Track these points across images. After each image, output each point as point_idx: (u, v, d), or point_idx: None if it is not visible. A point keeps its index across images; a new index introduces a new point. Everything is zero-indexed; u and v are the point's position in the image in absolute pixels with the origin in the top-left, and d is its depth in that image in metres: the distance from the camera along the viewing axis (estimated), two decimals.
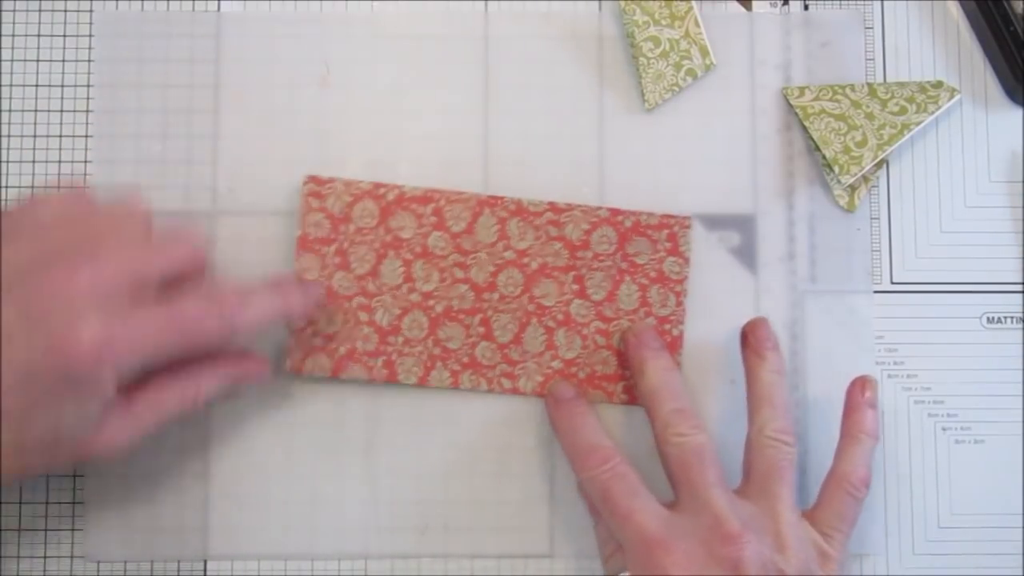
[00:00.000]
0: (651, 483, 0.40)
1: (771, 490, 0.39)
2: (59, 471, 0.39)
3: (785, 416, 0.41)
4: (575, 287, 0.44)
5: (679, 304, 0.45)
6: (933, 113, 0.46)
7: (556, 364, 0.44)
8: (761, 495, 0.39)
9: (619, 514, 0.39)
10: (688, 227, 0.45)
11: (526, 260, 0.44)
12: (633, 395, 0.44)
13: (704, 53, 0.46)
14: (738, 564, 0.37)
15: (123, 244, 0.36)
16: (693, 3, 0.46)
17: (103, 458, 0.36)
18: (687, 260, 0.45)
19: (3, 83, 0.46)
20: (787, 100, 0.46)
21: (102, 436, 0.36)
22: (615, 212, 0.45)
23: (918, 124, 0.45)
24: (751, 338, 0.42)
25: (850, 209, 0.46)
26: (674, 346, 0.44)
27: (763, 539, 0.38)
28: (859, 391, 0.42)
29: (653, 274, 0.45)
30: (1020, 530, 0.45)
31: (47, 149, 0.45)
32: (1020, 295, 0.46)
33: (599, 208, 0.45)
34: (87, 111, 0.46)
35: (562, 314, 0.44)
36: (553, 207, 0.45)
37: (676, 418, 0.40)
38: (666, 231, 0.45)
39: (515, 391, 0.44)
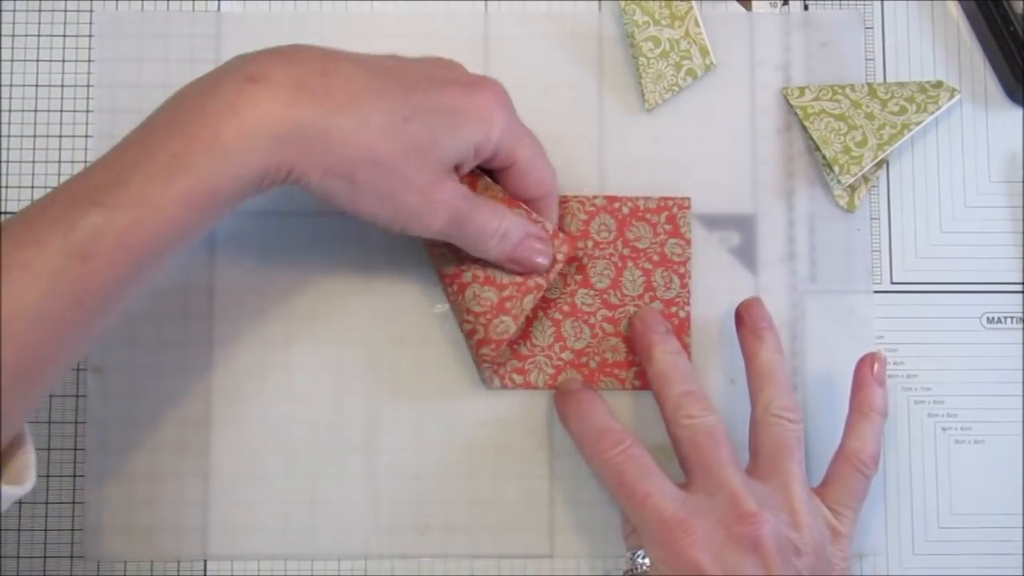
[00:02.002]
0: (662, 468, 0.40)
1: (782, 468, 0.39)
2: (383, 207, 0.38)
3: (789, 394, 0.41)
4: (578, 277, 0.45)
5: (683, 286, 0.45)
6: (933, 113, 0.46)
7: (566, 355, 0.44)
8: (772, 474, 0.39)
9: (635, 497, 0.39)
10: (687, 208, 0.45)
11: None
12: (645, 380, 0.44)
13: (704, 53, 0.46)
14: (757, 542, 0.37)
15: None
16: (693, 3, 0.46)
17: (424, 218, 0.38)
18: (688, 241, 0.45)
19: (3, 83, 0.46)
20: (787, 100, 0.46)
21: (435, 198, 0.37)
22: (612, 199, 0.45)
23: (918, 124, 0.45)
24: (747, 318, 0.42)
25: (850, 209, 0.46)
26: (682, 328, 0.44)
27: (779, 517, 0.38)
28: (868, 367, 0.42)
29: (656, 258, 0.45)
30: (1020, 530, 0.45)
31: (47, 149, 0.45)
32: (1020, 295, 0.46)
33: (595, 197, 0.45)
34: (87, 111, 0.46)
35: (568, 305, 0.44)
36: None
37: (686, 400, 0.40)
38: (665, 214, 0.45)
39: (527, 385, 0.44)
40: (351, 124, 0.35)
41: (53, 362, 0.32)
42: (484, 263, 0.42)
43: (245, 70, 0.34)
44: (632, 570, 0.39)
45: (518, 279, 0.42)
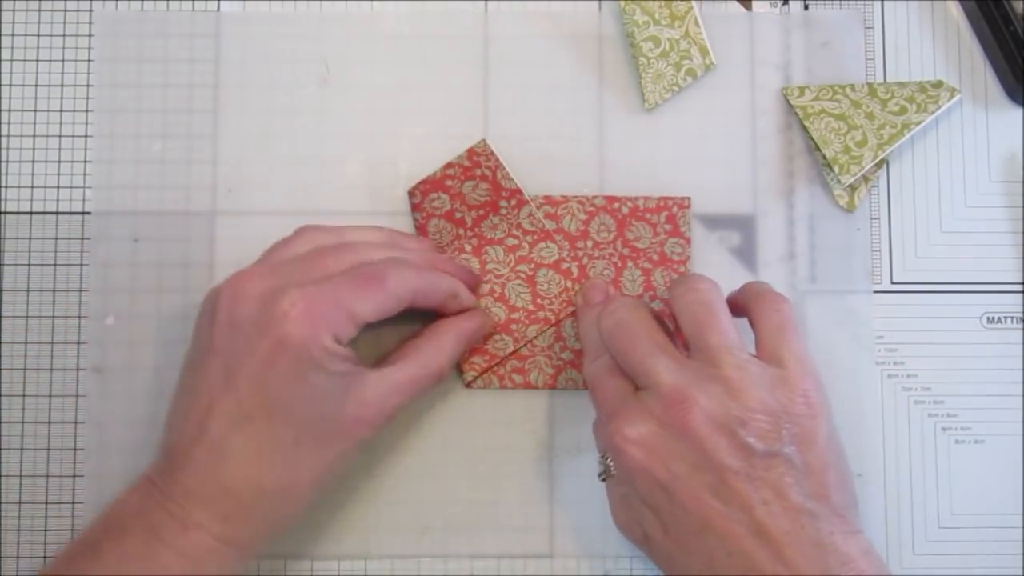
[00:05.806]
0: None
1: (705, 339, 0.37)
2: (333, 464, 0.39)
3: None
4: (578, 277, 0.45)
5: None
6: (933, 113, 0.46)
7: (566, 355, 0.44)
8: (697, 348, 0.37)
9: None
10: (687, 207, 0.45)
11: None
12: None
13: (704, 53, 0.46)
14: (686, 427, 0.35)
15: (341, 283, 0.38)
16: (693, 3, 0.46)
17: (377, 428, 0.39)
18: (688, 240, 0.45)
19: (3, 83, 0.46)
20: (787, 100, 0.46)
21: (367, 408, 0.38)
22: (611, 200, 0.45)
23: (918, 124, 0.45)
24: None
25: (850, 209, 0.46)
26: None
27: (709, 391, 0.35)
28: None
29: (655, 257, 0.45)
30: (1020, 530, 0.45)
31: (47, 149, 0.45)
32: (1020, 295, 0.46)
33: (595, 197, 0.45)
34: (87, 111, 0.46)
35: (568, 305, 0.45)
36: (549, 200, 0.45)
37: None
38: (665, 213, 0.45)
39: (527, 385, 0.44)
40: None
41: None
42: (503, 282, 0.44)
43: (188, 517, 0.37)
44: (603, 473, 0.38)
45: (530, 306, 0.44)
